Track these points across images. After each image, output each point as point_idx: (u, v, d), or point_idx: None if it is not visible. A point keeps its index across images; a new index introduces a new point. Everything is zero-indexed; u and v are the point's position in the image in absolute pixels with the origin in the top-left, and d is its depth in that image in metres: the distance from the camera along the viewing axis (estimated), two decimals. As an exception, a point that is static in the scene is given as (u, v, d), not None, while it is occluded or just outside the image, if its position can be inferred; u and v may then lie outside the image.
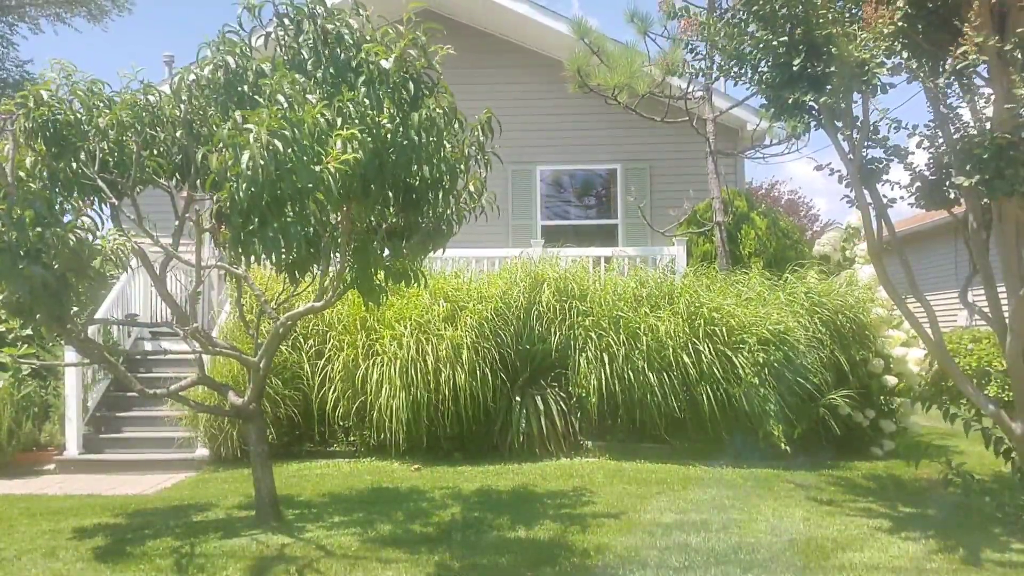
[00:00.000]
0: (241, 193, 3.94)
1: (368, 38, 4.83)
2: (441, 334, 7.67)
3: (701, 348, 7.38)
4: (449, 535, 5.15)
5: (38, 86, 4.92)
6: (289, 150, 3.96)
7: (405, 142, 4.48)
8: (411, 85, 4.65)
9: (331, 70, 4.70)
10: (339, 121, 4.28)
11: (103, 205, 5.26)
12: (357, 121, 4.31)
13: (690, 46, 6.00)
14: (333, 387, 7.73)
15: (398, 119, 4.47)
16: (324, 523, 5.48)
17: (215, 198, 4.28)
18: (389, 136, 4.43)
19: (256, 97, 4.62)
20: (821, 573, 4.39)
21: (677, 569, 4.45)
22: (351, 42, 4.79)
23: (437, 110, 4.62)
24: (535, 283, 8.21)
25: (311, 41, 4.77)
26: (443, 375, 7.45)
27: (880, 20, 4.49)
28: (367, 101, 4.42)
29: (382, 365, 7.54)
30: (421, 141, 4.53)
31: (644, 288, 8.17)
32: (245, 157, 3.90)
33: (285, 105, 4.19)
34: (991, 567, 4.47)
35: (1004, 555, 4.67)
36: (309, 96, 4.38)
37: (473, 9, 11.83)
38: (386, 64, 4.57)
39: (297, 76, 4.47)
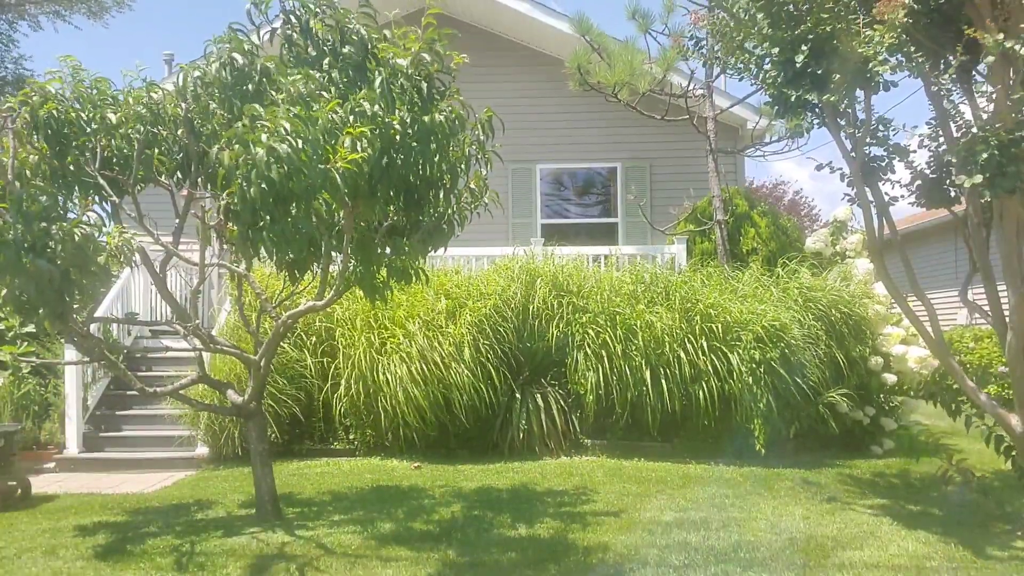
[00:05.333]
0: (252, 191, 3.94)
1: (375, 36, 4.84)
2: (444, 332, 7.66)
3: (697, 345, 7.38)
4: (450, 533, 5.15)
5: (42, 83, 4.93)
6: (301, 148, 3.96)
7: (414, 143, 4.49)
8: (424, 87, 4.66)
9: (349, 71, 4.71)
10: (351, 119, 4.29)
11: (104, 203, 5.27)
12: (369, 120, 4.32)
13: (695, 38, 5.99)
14: (338, 385, 7.73)
15: (408, 120, 4.47)
16: (325, 521, 5.48)
17: (223, 195, 4.28)
18: (398, 137, 4.44)
19: (271, 92, 4.61)
20: (821, 571, 4.39)
21: (677, 567, 4.45)
22: (357, 39, 4.79)
23: (452, 115, 4.64)
24: (531, 279, 8.21)
25: (330, 41, 4.77)
26: (449, 373, 7.44)
27: (892, 12, 4.47)
28: (382, 103, 4.42)
29: (392, 364, 7.52)
30: (432, 145, 4.55)
31: (640, 284, 8.16)
32: (260, 153, 3.90)
33: (300, 103, 4.20)
34: (992, 565, 4.47)
35: (1005, 552, 4.67)
36: (323, 93, 4.40)
37: (473, 7, 11.82)
38: (403, 62, 4.58)
39: (313, 72, 4.48)
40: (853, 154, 5.28)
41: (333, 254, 5.16)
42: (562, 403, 7.75)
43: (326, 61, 4.73)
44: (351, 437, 7.99)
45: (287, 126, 3.97)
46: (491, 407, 7.63)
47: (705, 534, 5.05)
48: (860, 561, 4.52)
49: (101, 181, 5.06)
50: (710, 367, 7.28)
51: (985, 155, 4.44)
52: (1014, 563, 4.50)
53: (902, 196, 5.45)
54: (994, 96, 4.81)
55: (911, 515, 5.54)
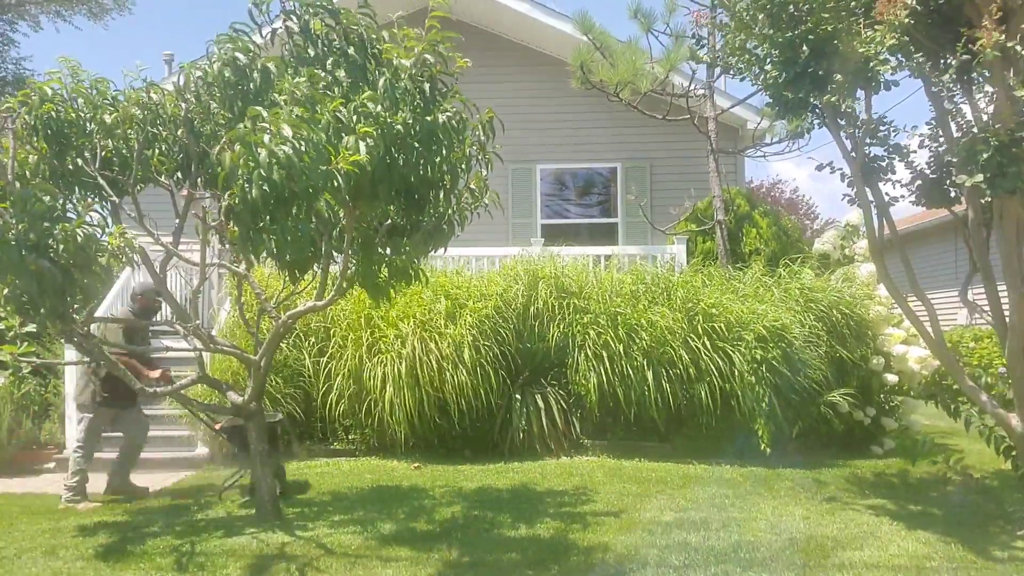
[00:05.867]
0: (254, 192, 3.94)
1: (374, 37, 4.83)
2: (443, 332, 7.66)
3: (699, 345, 7.38)
4: (450, 533, 5.15)
5: (42, 83, 4.93)
6: (304, 150, 3.96)
7: (416, 144, 4.49)
8: (427, 88, 4.66)
9: (349, 71, 4.70)
10: (355, 119, 4.29)
11: (103, 203, 5.27)
12: (373, 120, 4.33)
13: (696, 37, 5.99)
14: (335, 385, 7.73)
15: (411, 121, 4.47)
16: (325, 521, 5.48)
17: (225, 195, 4.27)
18: (399, 139, 4.44)
19: (273, 94, 4.61)
20: (821, 571, 4.39)
21: (677, 568, 4.45)
22: (356, 39, 4.78)
23: (455, 117, 4.64)
24: (534, 281, 8.21)
25: (330, 41, 4.76)
26: (445, 373, 7.43)
27: (892, 15, 4.47)
28: (385, 104, 4.42)
29: (386, 363, 7.52)
30: (433, 146, 4.55)
31: (641, 284, 8.17)
32: (263, 155, 3.89)
33: (302, 104, 4.20)
34: (992, 565, 4.47)
35: (1005, 552, 4.67)
36: (327, 92, 4.40)
37: (473, 7, 11.82)
38: (406, 63, 4.58)
39: (317, 72, 4.48)
40: (853, 154, 5.28)
41: (334, 254, 5.16)
42: (562, 403, 7.74)
43: (329, 61, 4.72)
44: (351, 437, 7.99)
45: (288, 131, 3.96)
46: (491, 408, 7.62)
47: (705, 534, 5.04)
48: (860, 561, 4.52)
49: (101, 181, 5.06)
50: (712, 367, 7.28)
51: (985, 155, 4.44)
52: (1014, 563, 4.50)
53: (902, 196, 5.46)
54: (994, 96, 4.81)
55: (911, 515, 5.54)
